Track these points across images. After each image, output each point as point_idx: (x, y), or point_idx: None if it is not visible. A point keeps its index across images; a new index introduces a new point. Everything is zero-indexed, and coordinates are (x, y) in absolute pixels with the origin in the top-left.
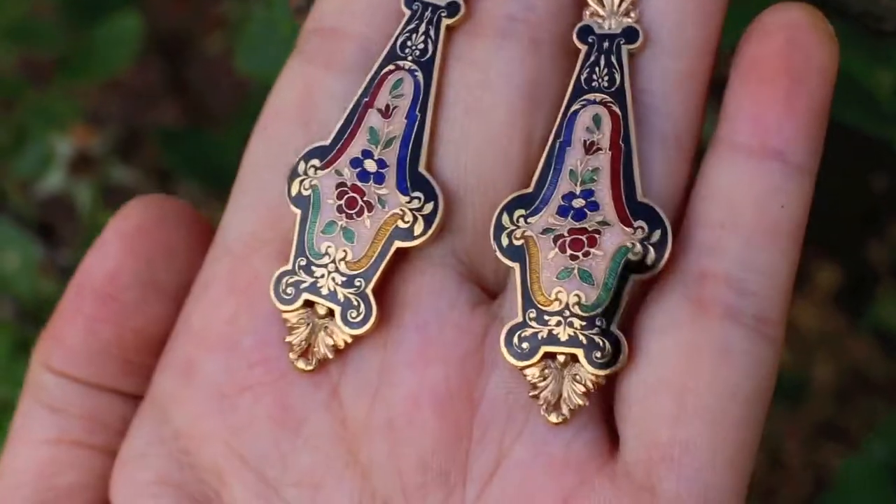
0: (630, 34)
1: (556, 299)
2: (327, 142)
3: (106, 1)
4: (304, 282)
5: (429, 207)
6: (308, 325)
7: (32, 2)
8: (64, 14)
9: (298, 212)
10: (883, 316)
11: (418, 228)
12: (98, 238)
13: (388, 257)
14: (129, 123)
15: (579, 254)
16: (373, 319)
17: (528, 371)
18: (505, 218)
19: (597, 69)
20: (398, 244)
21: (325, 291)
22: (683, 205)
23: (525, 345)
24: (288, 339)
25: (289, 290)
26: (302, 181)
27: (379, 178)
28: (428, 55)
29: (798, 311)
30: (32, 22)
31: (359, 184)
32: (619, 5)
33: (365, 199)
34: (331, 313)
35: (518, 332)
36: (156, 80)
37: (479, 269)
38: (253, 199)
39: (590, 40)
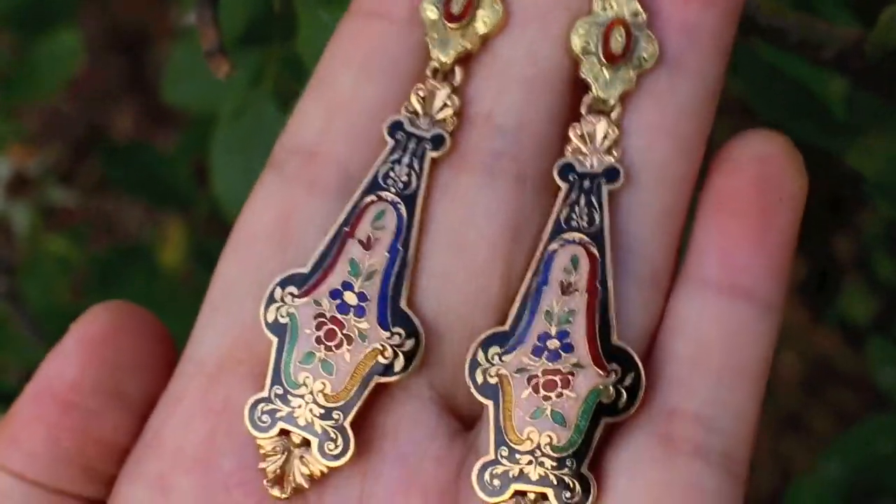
0: (611, 174)
1: (528, 439)
2: (306, 269)
3: (48, 12)
4: (281, 411)
5: (409, 344)
6: (283, 453)
7: None
8: (3, 29)
9: (275, 339)
10: (848, 308)
11: (398, 365)
12: (59, 343)
13: (367, 392)
14: (88, 123)
15: (552, 395)
16: (350, 453)
17: None
18: (480, 355)
19: (576, 208)
20: (378, 379)
21: (302, 422)
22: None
23: (496, 482)
24: (262, 465)
25: (264, 418)
26: (279, 308)
27: (360, 312)
28: (412, 189)
29: None
30: None
31: (338, 316)
32: (602, 142)
33: (345, 331)
34: (307, 443)
35: (490, 469)
36: (115, 79)
37: (455, 400)
38: (226, 319)
39: (571, 178)
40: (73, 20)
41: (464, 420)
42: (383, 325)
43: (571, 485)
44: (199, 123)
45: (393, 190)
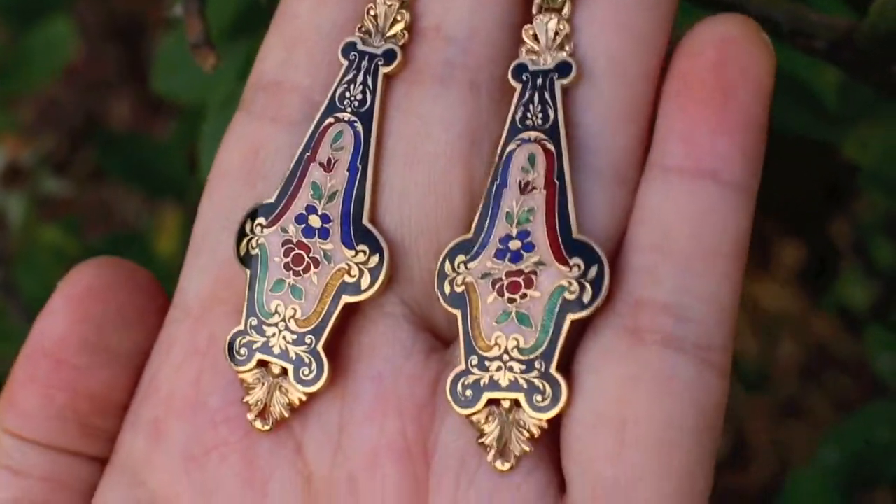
0: (563, 69)
1: (496, 344)
2: (272, 199)
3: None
4: (257, 342)
5: (374, 261)
6: (263, 384)
7: None
8: None
9: (247, 271)
10: (846, 294)
11: (365, 282)
12: (47, 302)
13: (336, 313)
14: (85, 112)
15: (517, 296)
16: (325, 377)
17: (474, 418)
18: (447, 265)
19: (531, 107)
20: (346, 299)
21: (276, 351)
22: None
23: (469, 392)
24: (245, 399)
25: (242, 351)
26: (249, 240)
27: (324, 234)
28: (367, 106)
29: (761, 290)
30: None
31: (304, 240)
32: (554, 39)
33: (311, 255)
34: (284, 372)
35: (461, 380)
36: (112, 68)
37: (430, 316)
38: (206, 260)
39: (524, 78)
40: (66, 9)
41: (441, 338)
42: (347, 244)
43: (542, 387)
44: (195, 113)
45: (349, 109)
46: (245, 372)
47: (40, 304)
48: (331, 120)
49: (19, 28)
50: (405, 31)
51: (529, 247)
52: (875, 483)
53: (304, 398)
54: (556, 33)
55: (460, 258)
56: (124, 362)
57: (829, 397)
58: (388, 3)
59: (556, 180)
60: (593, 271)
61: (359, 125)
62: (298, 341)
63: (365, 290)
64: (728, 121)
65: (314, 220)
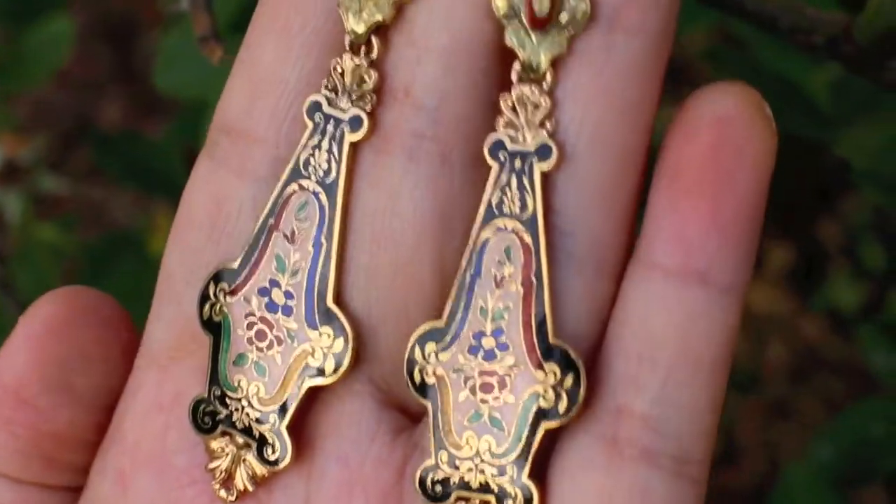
0: (543, 151)
1: (468, 444)
2: (235, 264)
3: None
4: (220, 413)
5: (339, 345)
6: (227, 454)
7: None
8: None
9: (211, 337)
10: (835, 295)
11: (329, 367)
12: (9, 336)
13: (301, 394)
14: (76, 113)
15: (489, 397)
16: (289, 457)
17: None
18: (417, 352)
19: (508, 192)
20: (310, 382)
21: (240, 426)
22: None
23: (438, 487)
24: (210, 466)
25: (206, 420)
26: (213, 305)
27: (287, 311)
28: (332, 176)
29: (751, 292)
30: None
31: (267, 315)
32: (533, 113)
33: (274, 332)
34: (248, 444)
35: (431, 475)
36: (104, 69)
37: (397, 394)
38: (171, 311)
39: (501, 158)
40: (64, 7)
41: (409, 414)
42: (311, 324)
43: (513, 493)
44: (190, 111)
45: (314, 178)
46: (209, 440)
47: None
48: (295, 187)
49: (18, 26)
50: (373, 93)
51: (504, 346)
52: (868, 479)
53: (266, 475)
54: (537, 107)
55: (431, 346)
56: (88, 401)
57: (818, 398)
58: (356, 60)
59: (533, 278)
60: (570, 380)
61: (323, 196)
62: (262, 419)
63: (329, 375)
64: (722, 216)
65: (277, 296)
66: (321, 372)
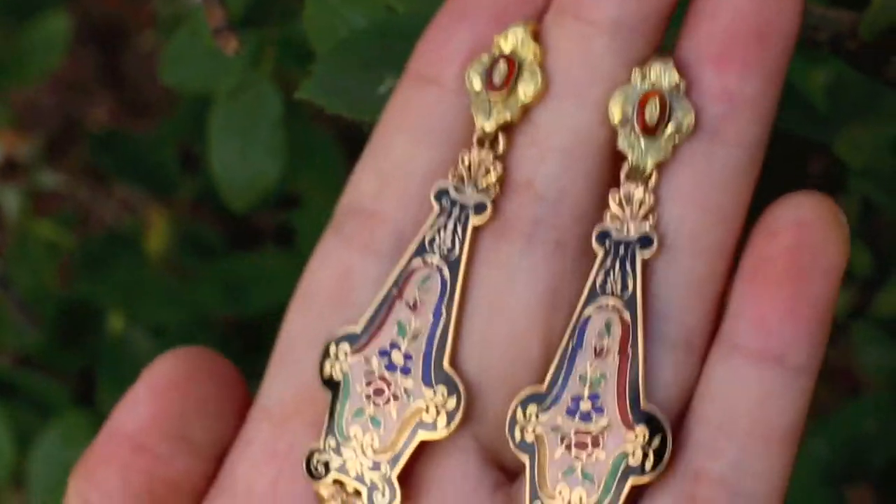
0: (645, 241)
1: (560, 495)
2: (358, 329)
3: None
4: (334, 461)
5: (452, 403)
6: (338, 501)
7: None
8: None
9: (330, 393)
10: None
11: (441, 422)
12: (130, 389)
13: (412, 446)
14: (64, 115)
15: (583, 454)
16: (397, 503)
17: None
18: (519, 413)
19: (611, 274)
20: (422, 435)
21: (353, 473)
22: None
23: None
24: None
25: (319, 468)
26: (333, 365)
27: (405, 371)
28: (455, 253)
29: None
30: None
31: (386, 374)
32: (638, 209)
33: (392, 389)
34: (358, 493)
35: None
36: (91, 72)
37: (499, 453)
38: (290, 373)
39: (606, 245)
40: (61, 6)
41: (508, 472)
42: (427, 383)
43: None
44: (183, 111)
45: (438, 255)
46: (321, 487)
47: (34, 297)
48: (419, 262)
49: (15, 24)
50: (496, 184)
51: (599, 410)
52: (861, 476)
53: None
54: (641, 204)
55: (532, 408)
56: (203, 452)
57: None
58: (483, 154)
59: (629, 350)
60: (657, 441)
61: (446, 272)
62: (374, 467)
63: (440, 430)
64: (799, 307)
65: (397, 357)
66: (433, 426)
